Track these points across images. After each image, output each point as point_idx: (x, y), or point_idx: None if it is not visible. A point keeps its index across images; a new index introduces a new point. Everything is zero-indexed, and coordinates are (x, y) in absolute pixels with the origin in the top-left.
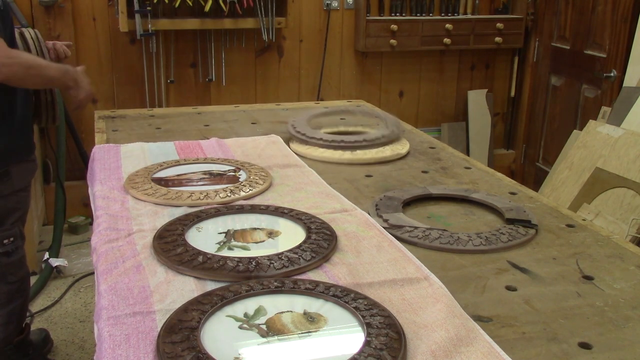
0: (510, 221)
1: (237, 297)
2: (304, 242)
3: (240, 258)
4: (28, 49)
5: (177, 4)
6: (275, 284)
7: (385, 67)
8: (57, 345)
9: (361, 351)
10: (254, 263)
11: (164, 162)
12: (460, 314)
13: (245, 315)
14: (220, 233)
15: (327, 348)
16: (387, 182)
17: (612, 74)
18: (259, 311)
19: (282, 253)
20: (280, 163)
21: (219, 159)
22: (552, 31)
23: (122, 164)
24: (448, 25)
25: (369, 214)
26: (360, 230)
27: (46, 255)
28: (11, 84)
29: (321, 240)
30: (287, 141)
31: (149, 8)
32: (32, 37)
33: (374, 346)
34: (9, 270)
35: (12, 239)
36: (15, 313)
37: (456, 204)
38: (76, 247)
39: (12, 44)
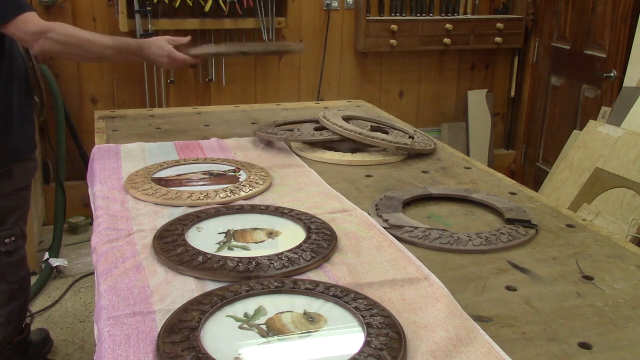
0: (510, 221)
1: (237, 297)
2: (304, 242)
3: (240, 258)
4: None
5: (177, 4)
6: (275, 284)
7: (385, 67)
8: (57, 345)
9: (361, 351)
10: (254, 263)
11: (164, 162)
12: (460, 314)
13: (245, 315)
14: (220, 233)
15: (327, 348)
16: (387, 182)
17: (612, 74)
18: (259, 311)
19: (282, 253)
20: (280, 163)
21: (219, 159)
22: (552, 31)
23: (122, 164)
24: (448, 25)
25: (369, 214)
26: (360, 230)
27: (46, 255)
28: (57, 57)
29: (321, 240)
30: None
31: (149, 8)
32: None
33: (374, 346)
34: (9, 269)
35: (13, 238)
36: (15, 313)
37: (456, 204)
38: (76, 247)
39: None
